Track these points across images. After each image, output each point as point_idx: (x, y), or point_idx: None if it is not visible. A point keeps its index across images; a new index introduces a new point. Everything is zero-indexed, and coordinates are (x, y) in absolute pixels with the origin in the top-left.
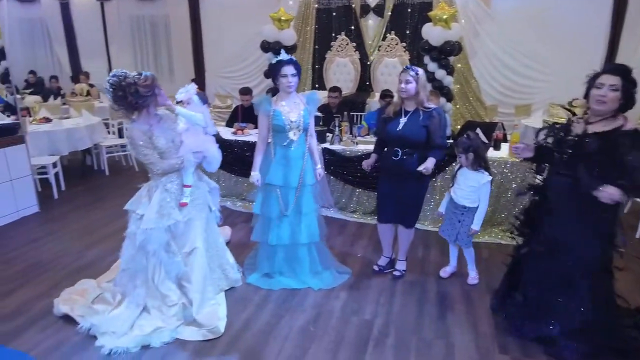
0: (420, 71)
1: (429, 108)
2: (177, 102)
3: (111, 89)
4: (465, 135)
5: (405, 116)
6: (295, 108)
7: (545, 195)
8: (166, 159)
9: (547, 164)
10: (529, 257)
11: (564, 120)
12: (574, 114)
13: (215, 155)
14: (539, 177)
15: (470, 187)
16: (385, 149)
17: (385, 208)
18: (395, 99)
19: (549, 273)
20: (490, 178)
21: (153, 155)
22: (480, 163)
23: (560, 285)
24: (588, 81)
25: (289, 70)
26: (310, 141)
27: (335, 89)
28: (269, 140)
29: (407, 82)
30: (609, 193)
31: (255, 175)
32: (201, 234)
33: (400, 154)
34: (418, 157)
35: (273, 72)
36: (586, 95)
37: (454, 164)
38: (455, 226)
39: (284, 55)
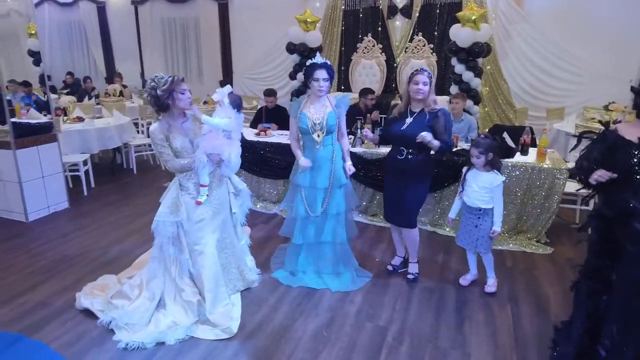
0: (431, 74)
1: (435, 109)
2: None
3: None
4: (482, 136)
5: (411, 116)
6: (321, 110)
7: (627, 224)
8: (181, 157)
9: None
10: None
11: (597, 125)
12: (607, 123)
13: (232, 159)
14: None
15: (483, 189)
16: (390, 149)
17: (388, 208)
18: (401, 100)
19: None
20: (503, 178)
21: (167, 153)
22: (494, 164)
23: None
24: None
25: (321, 74)
26: (341, 140)
27: (370, 91)
28: (300, 143)
29: (425, 83)
30: None
31: (303, 159)
32: (213, 234)
33: (405, 152)
34: (423, 158)
35: (306, 74)
36: None
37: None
38: (473, 232)
39: (318, 59)
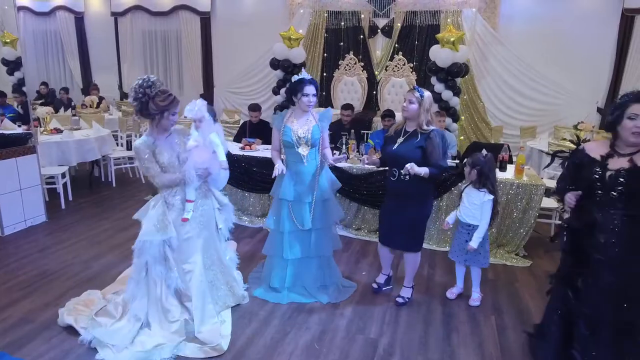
0: (426, 94)
1: (427, 130)
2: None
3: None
4: (482, 154)
5: (403, 136)
6: (305, 124)
7: (593, 235)
8: (168, 173)
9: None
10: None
11: (568, 144)
12: (578, 141)
13: (220, 173)
14: (562, 209)
15: (472, 205)
16: (387, 170)
17: (385, 231)
18: (399, 118)
19: (612, 324)
20: (491, 197)
21: (154, 168)
22: (484, 183)
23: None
24: (613, 110)
25: (310, 90)
26: (324, 151)
27: (348, 107)
28: (282, 157)
29: (410, 102)
30: None
31: (278, 165)
32: (200, 252)
33: (397, 174)
34: (416, 179)
35: (294, 89)
36: (612, 125)
37: (460, 184)
38: (464, 246)
39: (305, 74)
